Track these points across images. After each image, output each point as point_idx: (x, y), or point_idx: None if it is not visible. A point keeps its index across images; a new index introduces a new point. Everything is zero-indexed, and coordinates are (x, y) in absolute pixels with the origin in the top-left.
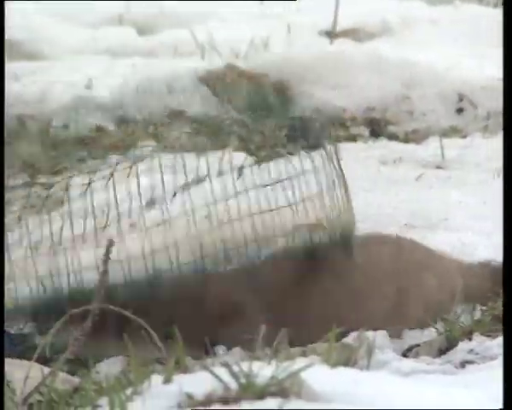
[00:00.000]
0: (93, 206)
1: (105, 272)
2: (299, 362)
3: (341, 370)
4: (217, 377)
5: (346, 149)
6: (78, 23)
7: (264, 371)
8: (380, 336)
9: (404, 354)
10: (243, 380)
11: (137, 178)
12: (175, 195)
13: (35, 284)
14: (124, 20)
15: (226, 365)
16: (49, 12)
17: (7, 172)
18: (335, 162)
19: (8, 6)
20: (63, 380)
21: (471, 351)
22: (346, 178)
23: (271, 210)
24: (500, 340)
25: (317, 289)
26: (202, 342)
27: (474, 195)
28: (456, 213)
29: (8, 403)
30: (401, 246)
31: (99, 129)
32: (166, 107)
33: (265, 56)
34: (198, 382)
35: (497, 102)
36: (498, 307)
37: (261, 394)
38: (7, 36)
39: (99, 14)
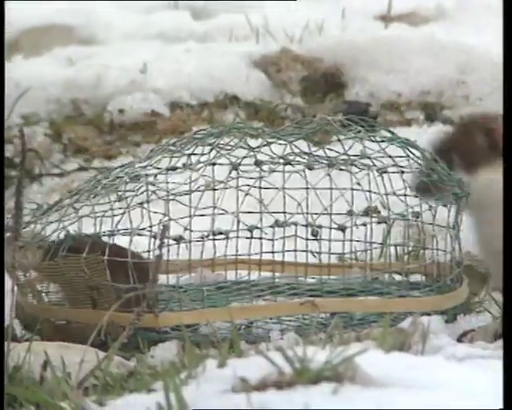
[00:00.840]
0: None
1: (159, 257)
2: (354, 347)
3: (396, 355)
4: (271, 361)
5: (401, 133)
6: (132, 8)
7: (318, 355)
8: (434, 321)
9: (459, 339)
10: (297, 365)
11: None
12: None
13: None
14: (179, 5)
15: (280, 349)
16: None
17: (62, 156)
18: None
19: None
20: (118, 364)
21: None
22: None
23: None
24: None
25: None
26: None
27: None
28: None
29: (63, 387)
30: None
31: (154, 114)
32: (221, 91)
33: (320, 41)
34: (252, 366)
35: None
36: None
37: (315, 378)
38: (60, 21)
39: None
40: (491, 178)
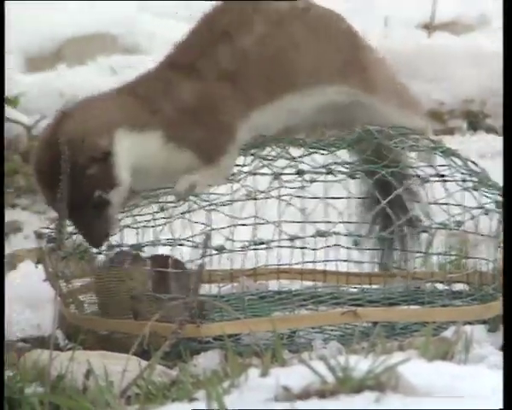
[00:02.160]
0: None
1: (202, 266)
2: (396, 356)
3: (438, 364)
4: (314, 370)
5: (444, 142)
6: (175, 16)
7: (360, 364)
8: (477, 330)
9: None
10: (340, 374)
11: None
12: None
13: None
14: None
15: (323, 358)
16: (144, 6)
17: None
18: None
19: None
20: (160, 373)
21: None
22: None
23: None
24: None
25: None
26: None
27: None
28: None
29: (106, 396)
30: None
31: None
32: None
33: None
34: (295, 375)
35: None
36: None
37: (358, 387)
38: (104, 30)
39: (194, 8)
40: None
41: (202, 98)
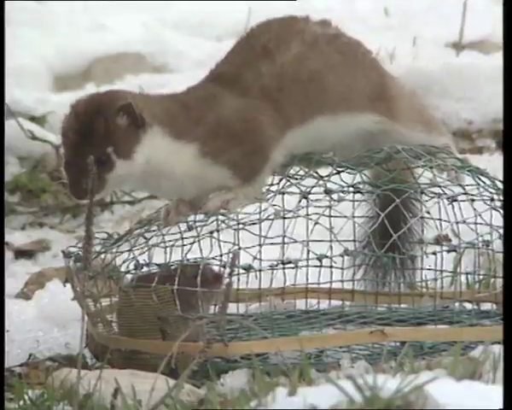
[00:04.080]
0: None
1: (229, 285)
2: (424, 375)
3: (467, 383)
4: (341, 389)
5: (472, 161)
6: (203, 36)
7: (388, 384)
8: None
9: None
10: (368, 393)
11: None
12: None
13: None
14: None
15: (351, 377)
16: (173, 25)
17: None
18: None
19: (128, 19)
20: (188, 392)
21: None
22: None
23: None
24: None
25: None
26: None
27: None
28: None
29: None
30: None
31: None
32: None
33: (391, 68)
34: (323, 394)
35: None
36: None
37: (386, 407)
38: (132, 49)
39: (223, 27)
40: None
41: (243, 115)
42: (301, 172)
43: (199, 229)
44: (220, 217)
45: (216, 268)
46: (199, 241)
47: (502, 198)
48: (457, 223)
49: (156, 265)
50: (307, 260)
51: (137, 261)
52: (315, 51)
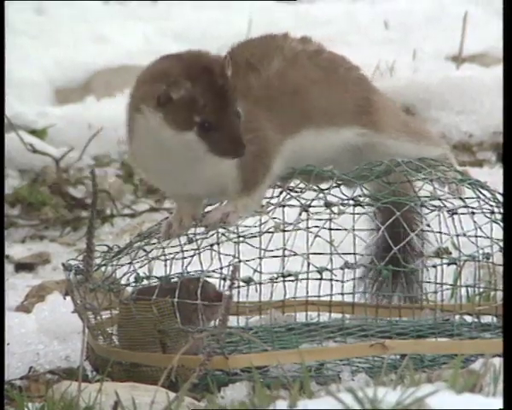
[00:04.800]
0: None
1: (230, 297)
2: (425, 388)
3: (467, 396)
4: (342, 402)
5: (473, 174)
6: (204, 47)
7: (389, 397)
8: None
9: None
10: (368, 406)
11: None
12: None
13: None
14: None
15: (351, 390)
16: (172, 38)
17: (133, 197)
18: None
19: (129, 30)
20: (189, 405)
21: None
22: None
23: None
24: None
25: None
26: None
27: None
28: None
29: None
30: None
31: None
32: None
33: (391, 81)
34: (323, 407)
35: None
36: None
37: None
38: (132, 62)
39: (223, 39)
40: None
41: (248, 118)
42: (301, 185)
43: (199, 242)
44: (220, 230)
45: (217, 286)
46: (199, 254)
47: (502, 211)
48: (458, 236)
49: (156, 278)
50: (307, 272)
51: (138, 274)
52: (295, 66)
